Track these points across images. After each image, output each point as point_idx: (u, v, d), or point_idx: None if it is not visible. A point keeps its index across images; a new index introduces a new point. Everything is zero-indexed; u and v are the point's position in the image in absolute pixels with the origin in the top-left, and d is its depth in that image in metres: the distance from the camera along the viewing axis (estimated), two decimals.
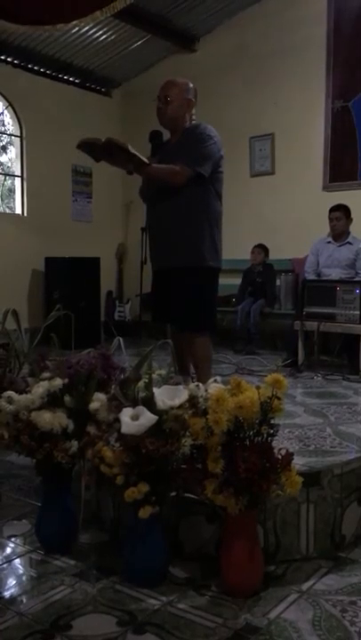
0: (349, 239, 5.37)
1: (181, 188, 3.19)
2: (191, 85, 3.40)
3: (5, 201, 7.56)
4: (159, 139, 3.42)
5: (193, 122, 3.40)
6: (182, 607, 1.81)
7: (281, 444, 2.15)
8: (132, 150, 3.05)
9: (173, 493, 1.90)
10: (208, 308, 3.46)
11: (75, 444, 2.02)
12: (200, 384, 1.97)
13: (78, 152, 3.29)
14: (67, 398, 2.10)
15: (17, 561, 2.13)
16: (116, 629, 1.70)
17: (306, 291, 4.88)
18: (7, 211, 7.37)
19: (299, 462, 2.14)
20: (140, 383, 1.96)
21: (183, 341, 3.46)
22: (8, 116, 7.15)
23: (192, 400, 1.91)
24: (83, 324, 4.33)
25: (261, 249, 6.38)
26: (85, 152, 3.27)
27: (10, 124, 7.26)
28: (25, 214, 7.15)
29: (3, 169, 7.62)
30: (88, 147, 3.23)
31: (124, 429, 1.80)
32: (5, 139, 7.54)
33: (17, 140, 7.16)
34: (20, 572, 2.07)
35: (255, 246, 6.39)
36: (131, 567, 1.95)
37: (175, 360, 3.47)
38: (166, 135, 3.48)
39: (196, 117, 3.48)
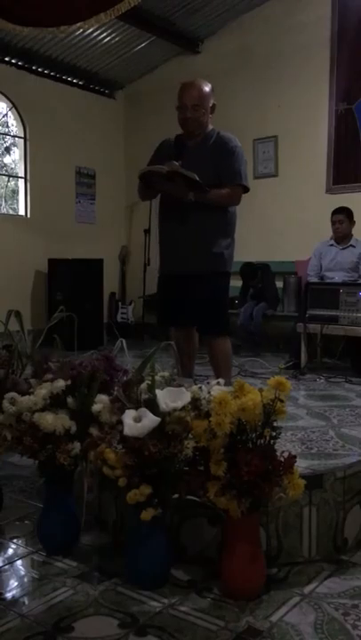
0: (352, 242, 5.37)
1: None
2: (212, 87, 3.39)
3: (9, 202, 7.57)
4: (183, 143, 3.39)
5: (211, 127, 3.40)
6: (184, 610, 1.81)
7: (284, 446, 2.15)
8: (198, 179, 3.09)
9: (176, 496, 1.90)
10: (226, 310, 3.54)
11: (77, 446, 2.02)
12: (202, 386, 1.97)
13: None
14: (69, 400, 2.10)
15: (19, 562, 2.13)
16: (117, 631, 1.70)
17: (309, 293, 4.88)
18: (11, 212, 7.38)
19: (301, 465, 2.13)
20: (143, 385, 1.96)
21: (186, 343, 3.48)
22: (12, 117, 7.16)
23: (195, 402, 1.91)
24: (86, 325, 4.33)
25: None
26: (144, 181, 3.31)
27: (14, 125, 7.27)
28: (28, 216, 7.15)
29: (6, 170, 7.63)
30: (149, 175, 3.24)
31: (127, 431, 1.80)
32: (9, 140, 7.55)
33: (21, 142, 7.17)
34: (22, 573, 2.07)
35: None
36: (133, 569, 1.95)
37: (178, 362, 3.48)
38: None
39: None
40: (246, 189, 3.38)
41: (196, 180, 3.08)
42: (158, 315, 3.72)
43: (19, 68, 6.92)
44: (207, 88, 3.36)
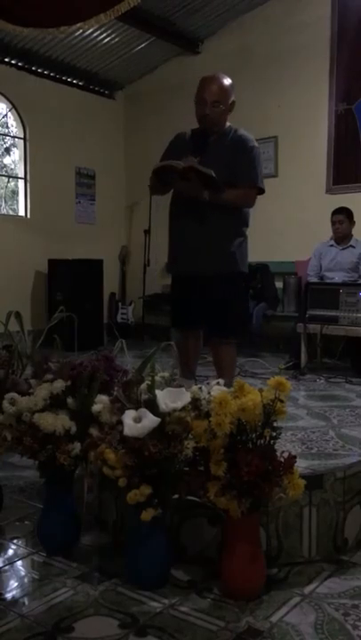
0: (352, 242, 5.37)
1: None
2: (233, 83, 3.28)
3: (9, 203, 7.57)
4: (204, 138, 3.26)
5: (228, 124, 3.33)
6: (184, 610, 1.81)
7: (284, 446, 2.15)
8: (215, 175, 2.98)
9: (176, 496, 1.90)
10: (243, 313, 3.46)
11: (77, 446, 2.02)
12: (202, 386, 1.97)
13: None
14: (69, 400, 2.10)
15: (19, 563, 2.13)
16: (117, 632, 1.70)
17: (309, 293, 4.88)
18: (10, 213, 7.38)
19: (301, 465, 2.13)
20: (143, 385, 1.96)
21: (194, 345, 3.41)
22: (12, 118, 7.16)
23: (195, 402, 1.91)
24: (86, 326, 4.33)
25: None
26: (157, 177, 3.16)
27: (13, 126, 7.27)
28: (28, 216, 7.16)
29: (6, 171, 7.64)
30: (164, 171, 3.10)
31: (127, 432, 1.80)
32: (9, 141, 7.55)
33: (20, 142, 7.17)
34: (22, 573, 2.07)
35: None
36: (133, 569, 1.95)
37: (180, 362, 3.42)
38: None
39: None
40: (262, 191, 3.29)
41: (212, 177, 2.99)
42: (173, 317, 3.54)
43: (19, 68, 6.92)
44: (228, 84, 3.24)
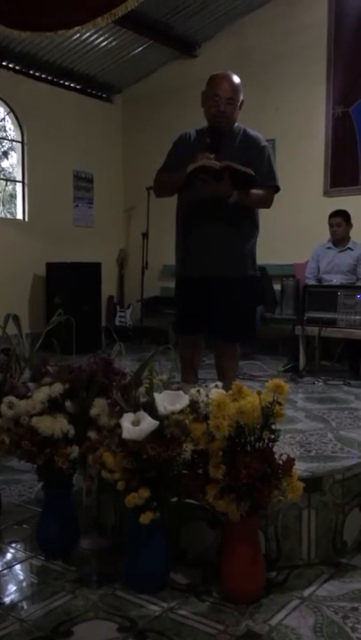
0: (350, 245, 5.38)
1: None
2: (241, 82, 3.31)
3: (7, 206, 7.57)
4: (219, 136, 3.17)
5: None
6: (183, 613, 1.80)
7: (282, 449, 2.15)
8: (254, 174, 2.95)
9: (175, 499, 1.89)
10: (254, 317, 3.44)
11: (76, 450, 2.02)
12: (200, 389, 1.97)
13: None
14: (68, 403, 2.10)
15: (17, 567, 2.13)
16: (116, 635, 1.69)
17: (307, 296, 4.88)
18: (8, 216, 7.38)
19: (300, 468, 2.13)
20: (142, 388, 1.96)
21: (198, 351, 3.36)
22: (10, 121, 7.17)
23: (193, 405, 1.91)
24: (84, 329, 4.32)
25: None
26: (190, 178, 2.99)
27: (11, 129, 7.28)
28: (26, 219, 7.15)
29: (4, 174, 7.64)
30: (197, 171, 2.95)
31: (125, 435, 1.80)
32: (7, 144, 7.55)
33: (18, 146, 7.17)
34: (21, 577, 2.06)
35: None
36: (132, 573, 1.94)
37: (182, 367, 3.31)
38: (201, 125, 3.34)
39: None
40: (278, 190, 3.28)
41: (252, 176, 2.93)
42: (177, 322, 3.42)
43: (16, 72, 6.92)
44: (239, 82, 3.25)
